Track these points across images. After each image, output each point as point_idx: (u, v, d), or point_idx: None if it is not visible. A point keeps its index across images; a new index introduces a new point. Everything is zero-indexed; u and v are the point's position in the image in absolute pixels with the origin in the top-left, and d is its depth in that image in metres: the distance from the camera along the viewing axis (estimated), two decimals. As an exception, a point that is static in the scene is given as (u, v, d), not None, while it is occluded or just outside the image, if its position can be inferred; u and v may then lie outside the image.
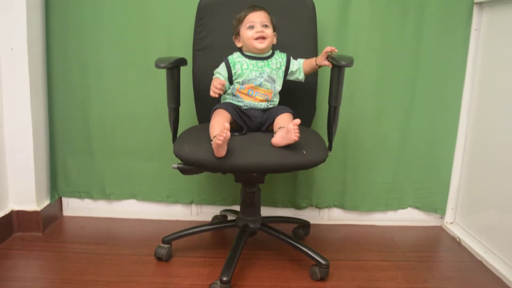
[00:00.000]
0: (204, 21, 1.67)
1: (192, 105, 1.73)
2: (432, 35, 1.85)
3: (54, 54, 1.83)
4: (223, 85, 1.43)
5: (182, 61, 1.54)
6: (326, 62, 1.50)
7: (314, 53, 1.66)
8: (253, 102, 1.52)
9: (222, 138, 1.22)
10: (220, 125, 1.32)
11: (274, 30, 1.55)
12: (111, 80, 1.86)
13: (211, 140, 1.31)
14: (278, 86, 1.56)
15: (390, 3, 1.82)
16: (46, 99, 1.86)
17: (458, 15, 1.84)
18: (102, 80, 1.86)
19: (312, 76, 1.64)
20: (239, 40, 1.56)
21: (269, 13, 1.54)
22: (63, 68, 1.84)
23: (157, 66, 1.41)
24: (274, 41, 1.56)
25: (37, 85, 1.79)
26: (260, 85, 1.52)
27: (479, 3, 1.82)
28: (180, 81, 1.53)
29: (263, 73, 1.52)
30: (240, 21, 1.53)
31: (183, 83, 1.56)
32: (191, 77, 1.70)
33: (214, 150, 1.28)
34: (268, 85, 1.53)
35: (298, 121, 1.28)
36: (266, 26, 1.51)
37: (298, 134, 1.27)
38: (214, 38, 1.68)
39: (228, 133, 1.23)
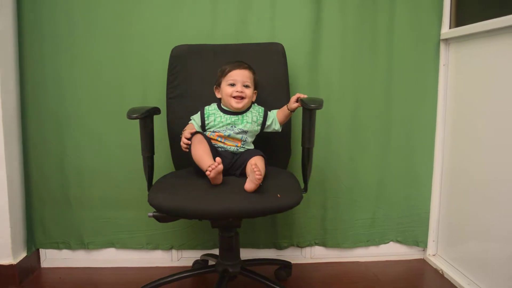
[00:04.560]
0: (176, 69, 1.70)
1: (169, 152, 1.74)
2: (402, 73, 1.90)
3: (29, 106, 1.83)
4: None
5: (154, 111, 1.55)
6: (296, 104, 1.52)
7: (286, 96, 1.69)
8: (224, 145, 1.54)
9: (213, 171, 1.31)
10: (205, 154, 1.41)
11: (256, 88, 1.58)
12: (87, 130, 1.86)
13: (206, 171, 1.34)
14: (250, 138, 1.58)
15: (360, 44, 1.87)
16: (21, 151, 1.84)
17: (426, 52, 1.89)
18: (78, 130, 1.86)
19: (286, 118, 1.66)
20: (219, 92, 1.58)
21: (253, 72, 1.57)
22: (38, 119, 1.84)
23: (129, 117, 1.41)
24: (254, 99, 1.59)
25: (12, 137, 1.78)
26: (229, 136, 1.54)
27: (445, 40, 1.88)
28: (156, 129, 1.54)
29: (234, 127, 1.53)
30: (223, 74, 1.55)
31: (160, 131, 1.57)
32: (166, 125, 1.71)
33: (211, 180, 1.35)
34: (238, 136, 1.54)
35: (253, 160, 1.33)
36: (247, 86, 1.54)
37: (259, 173, 1.27)
38: (187, 87, 1.70)
39: (220, 167, 1.32)
